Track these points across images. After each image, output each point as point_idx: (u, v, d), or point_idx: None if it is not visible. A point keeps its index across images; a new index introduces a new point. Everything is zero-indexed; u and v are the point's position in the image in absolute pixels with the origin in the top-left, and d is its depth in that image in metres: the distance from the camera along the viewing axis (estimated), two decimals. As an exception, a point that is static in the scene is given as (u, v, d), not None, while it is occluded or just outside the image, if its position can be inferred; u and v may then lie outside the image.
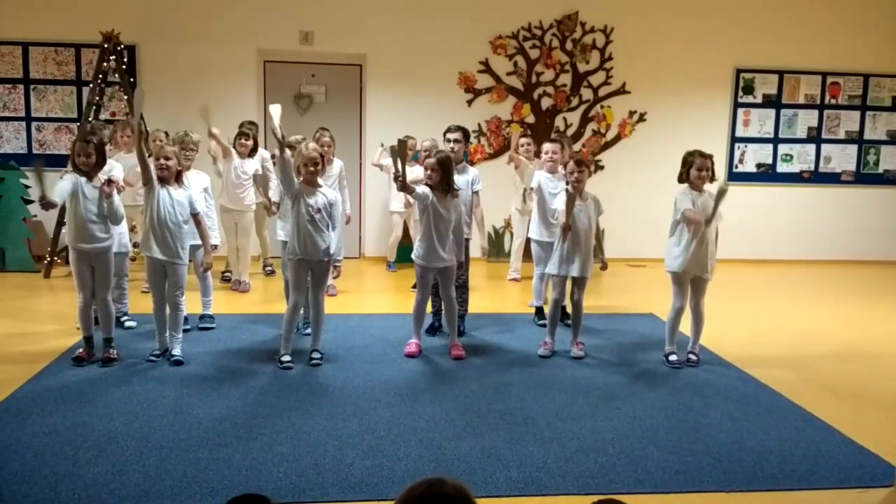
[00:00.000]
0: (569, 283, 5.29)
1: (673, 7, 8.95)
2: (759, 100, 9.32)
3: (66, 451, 3.55)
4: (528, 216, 6.62)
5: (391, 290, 7.56)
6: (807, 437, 4.00)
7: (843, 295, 7.75)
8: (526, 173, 6.46)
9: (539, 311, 6.05)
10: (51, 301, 6.70)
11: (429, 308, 5.69)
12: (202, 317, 5.71)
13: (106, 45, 7.77)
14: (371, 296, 7.28)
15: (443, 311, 5.47)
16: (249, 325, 5.81)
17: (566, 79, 8.98)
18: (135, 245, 6.75)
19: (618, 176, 9.02)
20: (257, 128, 7.34)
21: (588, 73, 8.99)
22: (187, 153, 5.60)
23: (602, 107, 9.07)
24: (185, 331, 5.17)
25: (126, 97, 7.92)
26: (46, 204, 4.59)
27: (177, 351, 4.92)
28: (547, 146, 5.89)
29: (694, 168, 4.97)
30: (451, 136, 5.69)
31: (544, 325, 5.63)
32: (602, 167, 9.11)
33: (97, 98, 7.84)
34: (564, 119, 9.03)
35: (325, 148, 6.17)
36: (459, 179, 5.34)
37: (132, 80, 8.13)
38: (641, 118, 9.12)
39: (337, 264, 5.00)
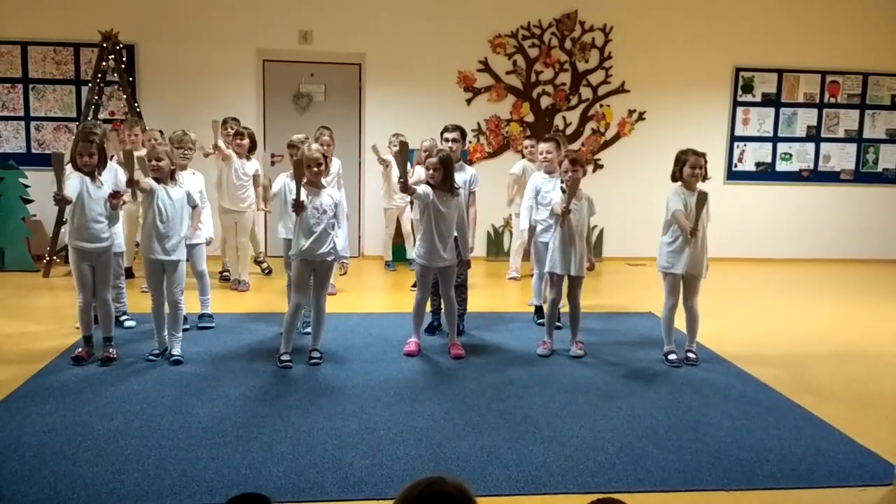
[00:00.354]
0: (565, 284, 5.30)
1: (672, 6, 8.95)
2: (758, 98, 9.32)
3: (66, 451, 3.55)
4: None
5: (390, 289, 7.56)
6: (806, 435, 4.00)
7: (842, 294, 7.75)
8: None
9: (538, 310, 6.05)
10: (50, 300, 6.69)
11: (428, 307, 5.69)
12: (201, 316, 5.71)
13: (105, 45, 7.77)
14: (370, 295, 7.28)
15: (442, 311, 5.47)
16: (249, 325, 5.81)
17: (565, 78, 8.97)
18: (136, 244, 6.74)
19: (617, 175, 9.02)
20: (238, 123, 7.31)
21: (587, 72, 8.98)
22: (185, 152, 5.61)
23: (601, 106, 9.07)
24: (184, 330, 5.17)
25: (125, 96, 7.91)
26: (61, 200, 4.58)
27: (177, 350, 4.92)
28: (542, 146, 5.89)
29: (687, 166, 4.97)
30: (448, 135, 5.69)
31: (543, 325, 5.64)
32: (601, 166, 9.11)
33: (96, 97, 7.84)
34: (564, 118, 9.02)
35: (325, 147, 6.17)
36: (458, 178, 5.34)
37: (131, 79, 8.12)
38: (641, 117, 9.12)
39: (344, 262, 5.00)
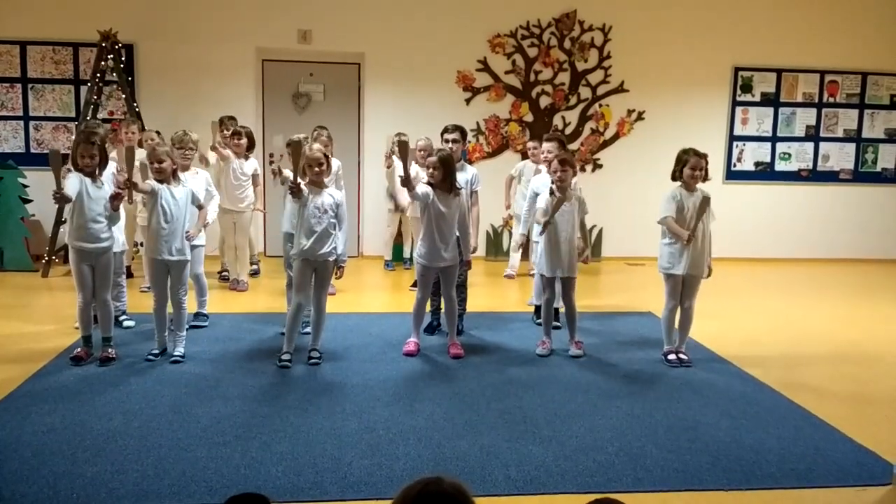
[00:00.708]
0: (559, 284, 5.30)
1: (671, 5, 8.95)
2: (757, 98, 9.32)
3: (65, 450, 3.55)
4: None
5: (390, 288, 7.56)
6: (805, 435, 4.00)
7: (841, 293, 7.76)
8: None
9: (538, 309, 6.04)
10: (49, 300, 6.69)
11: (427, 307, 5.69)
12: (196, 315, 5.70)
13: (104, 44, 7.76)
14: (370, 295, 7.28)
15: (441, 310, 5.47)
16: (248, 325, 5.80)
17: (564, 77, 8.97)
18: (140, 244, 6.74)
19: (616, 174, 9.02)
20: (236, 121, 7.31)
21: (586, 72, 8.98)
22: (186, 152, 5.60)
23: (600, 105, 9.07)
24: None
25: (124, 96, 7.91)
26: (61, 198, 4.58)
27: (178, 350, 4.92)
28: (545, 146, 5.89)
29: (688, 167, 4.95)
30: (448, 136, 5.68)
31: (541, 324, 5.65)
32: (600, 166, 9.11)
33: (95, 97, 7.83)
34: (563, 118, 9.02)
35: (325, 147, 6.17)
36: (459, 178, 5.34)
37: (130, 78, 8.12)
38: (640, 117, 9.12)
39: (342, 265, 5.00)
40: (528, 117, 8.96)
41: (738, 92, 9.26)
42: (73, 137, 7.60)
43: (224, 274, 7.35)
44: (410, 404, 4.27)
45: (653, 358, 5.22)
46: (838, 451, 3.80)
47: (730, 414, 4.26)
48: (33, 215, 7.90)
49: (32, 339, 5.34)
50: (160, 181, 4.80)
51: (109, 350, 4.86)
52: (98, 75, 7.81)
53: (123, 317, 5.63)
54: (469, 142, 8.76)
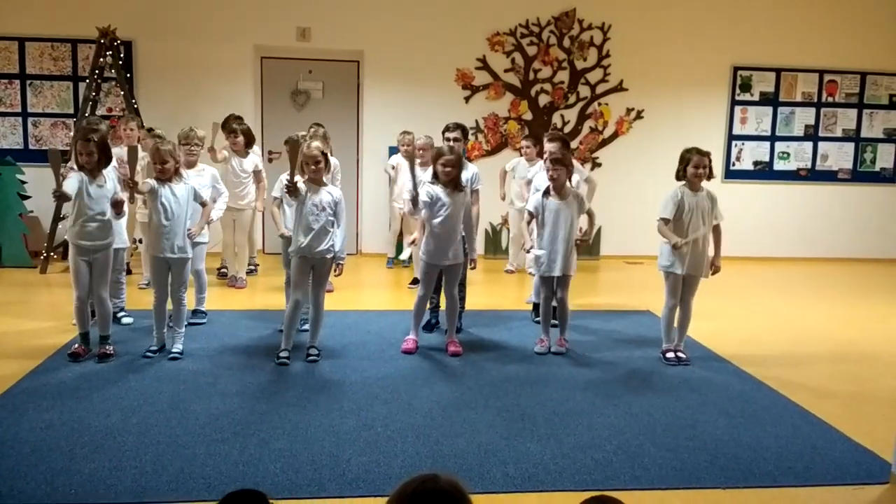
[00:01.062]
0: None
1: (670, 4, 8.95)
2: (756, 97, 9.32)
3: (63, 447, 3.55)
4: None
5: (389, 286, 7.56)
6: (803, 434, 4.00)
7: (839, 293, 7.77)
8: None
9: (537, 307, 6.04)
10: (47, 297, 6.68)
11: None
12: (194, 311, 5.70)
13: (102, 41, 7.75)
14: (368, 292, 7.27)
15: (440, 308, 5.47)
16: (246, 322, 5.80)
17: (564, 76, 8.97)
18: (139, 241, 6.75)
19: (615, 173, 9.02)
20: (242, 120, 7.30)
21: (586, 71, 8.98)
22: (191, 148, 5.59)
23: (599, 104, 9.07)
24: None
25: (122, 93, 7.90)
26: (61, 196, 4.57)
27: (177, 347, 4.92)
28: (549, 146, 5.83)
29: (691, 165, 4.94)
30: (450, 134, 5.68)
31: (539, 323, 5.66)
32: (599, 164, 9.11)
33: (94, 94, 7.83)
34: (562, 116, 9.02)
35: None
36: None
37: (129, 75, 8.11)
38: (639, 115, 9.12)
39: (340, 262, 4.99)
40: (528, 116, 8.96)
41: (737, 91, 9.27)
42: (72, 134, 7.60)
43: (223, 271, 7.35)
44: (409, 402, 4.27)
45: (651, 356, 5.22)
46: (836, 450, 3.81)
47: (728, 412, 4.26)
48: (31, 212, 7.89)
49: (30, 335, 5.34)
50: (163, 180, 4.79)
51: (108, 347, 4.85)
52: (97, 72, 7.81)
53: (122, 313, 5.62)
54: (468, 140, 8.76)
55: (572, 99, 9.02)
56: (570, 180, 5.23)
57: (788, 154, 9.48)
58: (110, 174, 4.83)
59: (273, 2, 8.43)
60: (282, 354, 4.87)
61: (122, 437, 3.67)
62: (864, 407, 4.48)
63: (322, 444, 3.66)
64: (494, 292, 7.29)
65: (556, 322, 5.45)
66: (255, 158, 7.02)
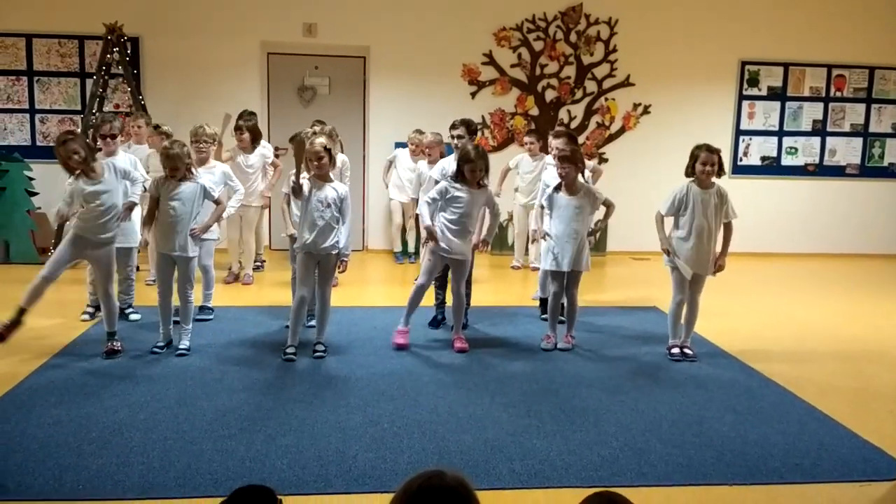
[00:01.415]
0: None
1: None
2: (763, 92, 9.28)
3: (71, 443, 3.56)
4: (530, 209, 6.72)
5: (395, 282, 7.56)
6: (810, 430, 3.99)
7: (846, 289, 7.74)
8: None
9: (543, 303, 6.03)
10: (54, 293, 6.65)
11: (431, 300, 5.70)
12: (201, 308, 5.71)
13: (109, 37, 7.77)
14: (374, 288, 7.29)
15: (446, 304, 5.47)
16: (253, 318, 5.82)
17: (570, 71, 8.95)
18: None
19: (622, 168, 8.99)
20: (255, 117, 7.32)
21: (592, 66, 8.96)
22: (201, 146, 5.57)
23: (606, 99, 9.05)
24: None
25: (129, 89, 7.92)
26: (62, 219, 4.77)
27: (184, 343, 4.94)
28: (554, 142, 5.80)
29: (699, 162, 4.91)
30: (454, 132, 5.69)
31: (546, 320, 5.65)
32: (606, 160, 9.09)
33: (101, 90, 7.85)
34: (568, 111, 9.00)
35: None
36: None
37: (135, 72, 8.13)
38: (646, 111, 9.10)
39: (345, 259, 4.99)
40: (534, 111, 8.95)
41: (745, 86, 9.23)
42: (78, 131, 7.63)
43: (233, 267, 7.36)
44: (415, 398, 4.28)
45: (658, 353, 5.21)
46: (843, 447, 3.80)
47: (734, 409, 4.25)
48: (39, 208, 7.91)
49: (38, 332, 5.35)
50: (173, 177, 4.81)
51: (115, 343, 4.87)
52: (104, 68, 7.83)
53: (129, 310, 5.64)
54: (476, 135, 8.74)
55: (579, 94, 9.00)
56: (582, 175, 5.22)
57: (796, 149, 9.44)
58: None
59: (279, -2, 8.43)
60: (288, 351, 4.88)
61: (130, 433, 3.69)
62: (870, 403, 4.47)
63: (328, 440, 3.67)
64: (500, 289, 7.28)
65: (564, 319, 5.45)
66: (263, 152, 7.01)
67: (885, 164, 9.59)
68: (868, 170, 9.57)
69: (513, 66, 8.85)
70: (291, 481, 3.27)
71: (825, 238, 9.52)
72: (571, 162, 5.06)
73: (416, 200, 6.67)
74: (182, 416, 3.92)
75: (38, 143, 8.30)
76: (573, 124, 8.97)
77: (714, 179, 4.97)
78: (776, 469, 3.54)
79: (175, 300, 5.02)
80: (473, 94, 8.83)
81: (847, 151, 9.52)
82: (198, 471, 3.33)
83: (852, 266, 8.99)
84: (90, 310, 5.64)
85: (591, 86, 9.00)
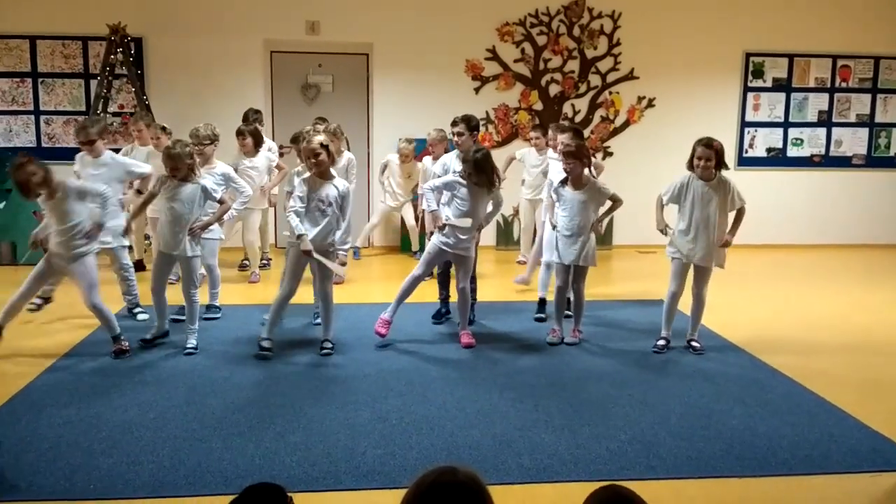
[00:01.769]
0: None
1: (681, -9, 8.89)
2: (768, 84, 9.24)
3: (81, 443, 3.58)
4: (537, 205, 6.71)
5: (401, 279, 7.52)
6: (819, 422, 3.99)
7: (854, 279, 7.71)
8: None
9: (542, 303, 5.98)
10: (63, 295, 6.70)
11: (435, 296, 5.71)
12: (208, 307, 5.72)
13: (113, 38, 7.79)
14: (380, 285, 7.28)
15: (451, 300, 5.46)
16: (261, 316, 5.79)
17: (574, 65, 8.93)
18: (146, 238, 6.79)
19: (627, 162, 8.97)
20: (261, 115, 7.31)
21: (596, 59, 8.93)
22: (200, 147, 5.56)
23: (610, 93, 9.02)
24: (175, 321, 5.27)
25: (133, 89, 7.94)
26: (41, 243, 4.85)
27: (191, 342, 4.95)
28: (560, 137, 5.79)
29: (696, 157, 4.93)
30: (454, 129, 5.68)
31: (539, 321, 5.64)
32: (611, 153, 9.07)
33: (105, 91, 7.86)
34: (573, 106, 8.98)
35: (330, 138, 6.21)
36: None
37: (139, 72, 8.14)
38: (650, 104, 9.07)
39: (341, 253, 4.96)
40: (538, 106, 8.93)
41: (750, 77, 9.19)
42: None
43: (245, 263, 7.35)
44: (423, 394, 4.28)
45: (668, 347, 5.20)
46: (853, 438, 3.79)
47: (743, 401, 4.25)
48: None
49: (47, 332, 5.38)
50: (174, 177, 4.81)
51: (123, 343, 4.87)
52: (108, 69, 7.84)
53: (137, 309, 5.66)
54: (479, 131, 8.73)
55: (583, 88, 8.98)
56: (589, 169, 5.21)
57: (802, 140, 9.41)
58: (66, 185, 4.78)
59: (282, -4, 8.43)
60: (264, 344, 4.86)
61: (140, 433, 3.70)
62: (880, 394, 4.46)
63: (337, 437, 3.68)
64: (507, 284, 7.27)
65: (571, 313, 5.45)
66: (267, 155, 6.99)
67: (891, 153, 9.55)
68: (874, 160, 9.52)
69: (516, 60, 8.83)
70: (301, 478, 3.28)
71: (832, 229, 9.49)
72: (576, 157, 5.05)
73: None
74: (191, 414, 3.94)
75: (44, 145, 8.31)
76: (577, 118, 8.95)
77: (722, 172, 4.96)
78: (786, 461, 3.53)
79: (179, 299, 5.03)
80: (477, 90, 8.82)
81: (853, 142, 9.48)
82: (208, 469, 3.35)
83: (859, 256, 8.96)
84: (38, 301, 5.60)
85: (594, 80, 8.98)
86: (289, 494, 1.85)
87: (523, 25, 8.78)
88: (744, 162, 9.27)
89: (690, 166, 4.98)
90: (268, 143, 7.26)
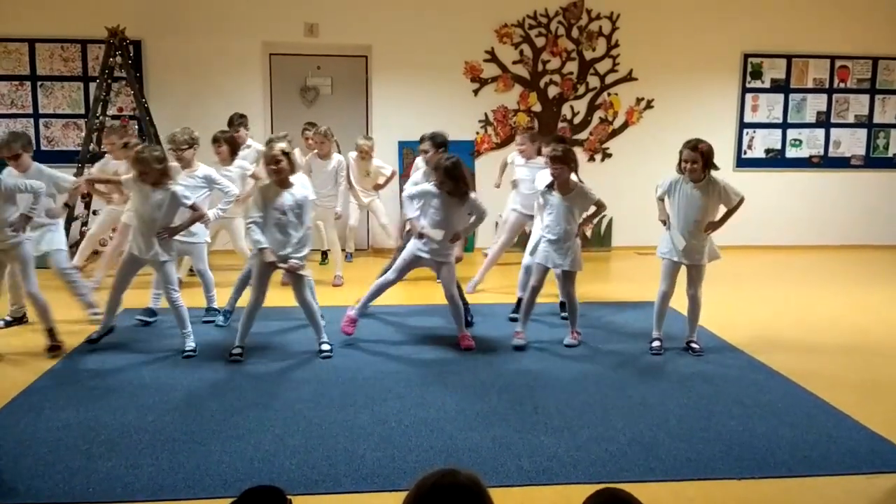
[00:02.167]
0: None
1: (679, -8, 8.90)
2: (767, 84, 9.25)
3: (80, 446, 3.58)
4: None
5: (401, 281, 7.53)
6: (818, 423, 3.99)
7: (852, 280, 7.72)
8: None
9: (518, 302, 5.97)
10: (61, 297, 6.71)
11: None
12: (207, 310, 5.74)
13: (112, 41, 7.79)
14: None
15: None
16: (259, 319, 5.80)
17: (572, 66, 8.93)
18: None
19: (626, 163, 8.99)
20: (246, 119, 7.29)
21: (594, 61, 8.94)
22: (179, 152, 5.51)
23: (609, 94, 9.03)
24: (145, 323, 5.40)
25: (132, 92, 7.94)
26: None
27: (189, 345, 4.95)
28: (545, 150, 5.75)
29: (682, 160, 4.93)
30: (421, 146, 5.72)
31: (514, 320, 5.62)
32: (610, 155, 9.08)
33: (104, 94, 7.86)
34: (571, 107, 8.99)
35: (319, 143, 6.58)
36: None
37: (138, 75, 8.14)
38: (649, 105, 9.08)
39: (293, 261, 4.82)
40: (537, 107, 8.94)
41: (748, 78, 9.20)
42: (84, 135, 7.66)
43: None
44: (422, 396, 4.28)
45: (664, 347, 5.20)
46: (851, 439, 3.79)
47: (742, 402, 4.25)
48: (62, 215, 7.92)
49: (45, 335, 5.37)
50: (143, 181, 4.82)
51: (56, 338, 4.97)
52: (107, 72, 7.84)
53: (92, 310, 5.61)
54: (477, 133, 8.77)
55: (581, 90, 8.98)
56: (576, 174, 5.19)
57: (800, 141, 9.41)
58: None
59: (280, -2, 8.43)
60: (234, 351, 4.86)
61: (139, 435, 3.70)
62: (879, 395, 4.46)
63: (337, 440, 3.68)
64: (505, 287, 7.27)
65: (566, 316, 5.44)
66: (240, 164, 6.80)
67: (890, 154, 9.56)
68: (873, 161, 9.53)
69: (515, 62, 8.83)
70: (300, 481, 3.28)
71: (830, 230, 9.49)
72: (564, 162, 5.04)
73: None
74: (190, 417, 3.94)
75: (43, 148, 8.30)
76: (576, 120, 8.96)
77: (713, 173, 4.96)
78: (785, 462, 3.54)
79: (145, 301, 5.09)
80: (476, 92, 8.82)
81: (851, 143, 9.48)
82: (207, 472, 3.35)
83: (858, 257, 8.96)
84: (8, 318, 5.66)
85: (593, 81, 8.98)
86: (288, 497, 1.85)
87: (522, 27, 8.78)
88: (742, 163, 9.28)
89: (679, 169, 5.00)
90: (255, 146, 7.18)
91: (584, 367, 4.85)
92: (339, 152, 6.96)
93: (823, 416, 4.08)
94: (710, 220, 4.97)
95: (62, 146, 8.31)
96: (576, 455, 3.57)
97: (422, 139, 5.72)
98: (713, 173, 4.97)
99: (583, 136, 9.02)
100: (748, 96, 9.24)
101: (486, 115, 8.82)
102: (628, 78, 8.99)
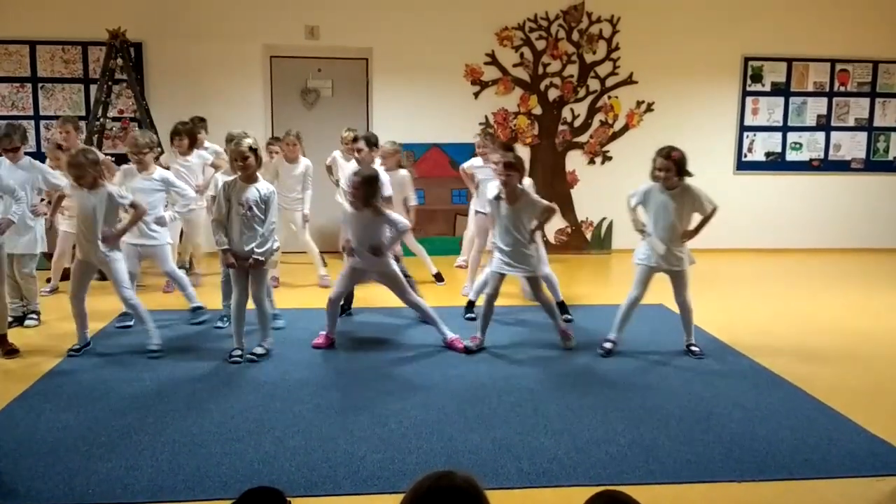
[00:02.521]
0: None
1: (680, -4, 8.91)
2: (767, 88, 9.25)
3: (80, 447, 3.58)
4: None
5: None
6: (819, 425, 3.98)
7: (853, 283, 7.71)
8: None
9: (470, 304, 6.01)
10: (61, 298, 6.71)
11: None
12: (193, 310, 5.70)
13: (113, 43, 7.80)
14: (379, 289, 7.25)
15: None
16: (252, 319, 5.79)
17: (573, 69, 8.94)
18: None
19: (626, 166, 8.95)
20: (205, 123, 7.30)
21: (595, 64, 8.95)
22: (139, 156, 5.47)
23: (609, 97, 9.03)
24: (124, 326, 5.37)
25: (133, 94, 7.94)
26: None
27: (153, 343, 4.92)
28: (493, 157, 5.74)
29: (655, 168, 4.94)
30: (355, 145, 5.93)
31: (471, 320, 5.63)
32: (610, 158, 9.08)
33: (105, 96, 7.87)
34: (572, 110, 8.99)
35: (289, 146, 6.62)
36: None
37: (139, 77, 8.15)
38: (649, 108, 9.08)
39: (256, 256, 4.78)
40: (537, 110, 8.94)
41: (749, 82, 9.20)
42: (84, 137, 7.65)
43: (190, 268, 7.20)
44: (422, 398, 4.28)
45: (664, 350, 5.20)
46: (852, 442, 3.79)
47: (742, 405, 4.24)
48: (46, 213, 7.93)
49: (45, 336, 5.38)
50: (80, 185, 4.84)
51: (9, 343, 4.96)
52: (107, 74, 7.85)
53: (28, 316, 5.64)
54: (476, 135, 8.74)
55: (582, 93, 8.99)
56: (521, 182, 5.13)
57: (801, 144, 9.41)
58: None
59: (281, 1, 8.43)
60: (234, 353, 4.85)
61: (138, 437, 3.70)
62: (879, 398, 4.46)
63: (336, 442, 3.68)
64: (505, 291, 7.26)
65: (569, 317, 5.44)
66: (200, 153, 6.84)
67: (890, 157, 9.56)
68: (873, 164, 9.53)
69: (515, 65, 8.84)
70: (300, 483, 3.28)
71: (831, 233, 9.49)
72: (517, 169, 5.02)
73: None
74: (190, 418, 3.93)
75: (44, 150, 8.31)
76: (576, 123, 8.97)
77: (687, 180, 4.94)
78: (785, 465, 3.53)
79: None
80: (476, 94, 8.83)
81: (852, 146, 9.49)
82: (206, 473, 3.34)
83: (858, 261, 8.96)
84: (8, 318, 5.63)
85: (593, 84, 8.99)
86: (288, 499, 1.85)
87: (522, 30, 8.79)
88: (743, 166, 9.27)
89: (653, 177, 4.99)
90: (212, 147, 7.08)
91: (585, 368, 4.85)
92: (304, 155, 6.93)
93: (824, 419, 4.07)
94: (684, 226, 4.96)
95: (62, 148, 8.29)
96: (576, 457, 3.56)
97: (356, 139, 5.77)
98: (687, 180, 4.96)
99: (583, 138, 9.03)
100: (748, 99, 9.24)
101: (486, 117, 8.82)
102: (629, 81, 9.00)
